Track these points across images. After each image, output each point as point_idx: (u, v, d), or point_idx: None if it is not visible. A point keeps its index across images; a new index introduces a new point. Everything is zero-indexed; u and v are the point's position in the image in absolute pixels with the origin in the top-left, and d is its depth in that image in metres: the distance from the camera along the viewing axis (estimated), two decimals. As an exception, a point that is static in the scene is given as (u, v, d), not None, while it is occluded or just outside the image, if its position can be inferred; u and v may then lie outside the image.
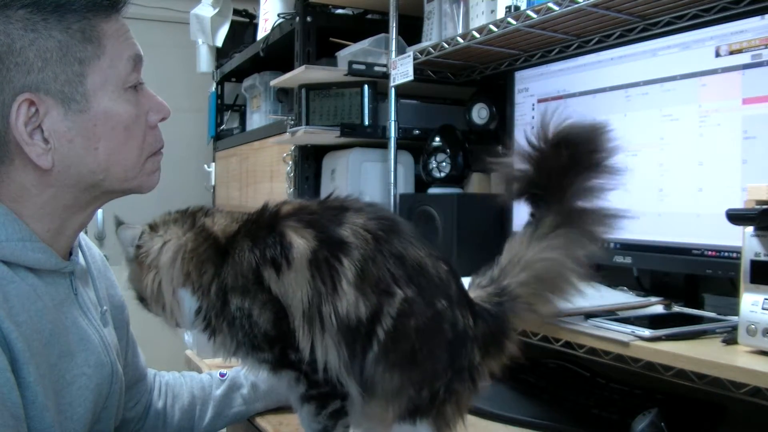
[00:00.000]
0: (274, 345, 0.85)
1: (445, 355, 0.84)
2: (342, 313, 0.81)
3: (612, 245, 1.29)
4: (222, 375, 1.25)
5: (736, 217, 0.85)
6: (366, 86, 1.80)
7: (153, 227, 0.90)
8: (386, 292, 0.81)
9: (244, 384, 1.24)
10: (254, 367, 0.89)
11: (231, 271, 0.85)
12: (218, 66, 2.97)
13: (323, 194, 1.94)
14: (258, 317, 0.84)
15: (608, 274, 1.39)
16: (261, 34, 2.35)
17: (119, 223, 0.91)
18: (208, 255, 0.86)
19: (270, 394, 1.24)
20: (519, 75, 1.52)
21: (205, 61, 2.99)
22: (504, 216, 1.53)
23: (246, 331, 0.85)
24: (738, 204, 0.97)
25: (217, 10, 2.78)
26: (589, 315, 1.05)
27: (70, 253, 0.95)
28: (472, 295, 0.92)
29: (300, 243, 0.83)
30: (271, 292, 0.83)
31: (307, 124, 1.85)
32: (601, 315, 1.05)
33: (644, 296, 1.23)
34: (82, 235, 1.01)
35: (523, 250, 0.93)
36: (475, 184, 1.69)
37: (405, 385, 0.83)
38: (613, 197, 1.26)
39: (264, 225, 0.87)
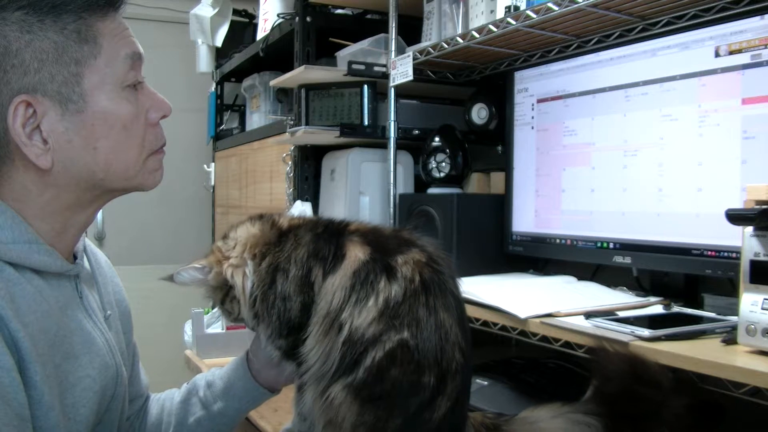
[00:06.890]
0: (290, 333, 0.91)
1: (399, 422, 0.83)
2: (354, 326, 0.84)
3: (611, 245, 1.29)
4: None
5: (735, 217, 0.85)
6: (365, 86, 1.80)
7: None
8: (394, 327, 0.83)
9: (200, 386, 1.12)
10: (273, 352, 0.96)
11: (285, 253, 0.93)
12: (218, 66, 2.97)
13: (323, 194, 1.96)
14: (292, 301, 0.91)
15: (608, 274, 1.39)
16: (261, 34, 2.35)
17: None
18: (270, 237, 0.96)
19: (229, 391, 1.09)
20: (519, 75, 1.52)
21: (204, 61, 2.99)
22: (504, 216, 1.53)
23: (279, 313, 0.92)
24: (738, 204, 0.97)
25: (216, 10, 2.78)
26: (589, 315, 1.05)
27: (75, 257, 0.94)
28: (473, 415, 0.92)
29: (354, 254, 0.88)
30: (312, 287, 0.90)
31: (307, 124, 1.85)
32: (601, 315, 1.05)
33: (644, 296, 1.23)
34: (87, 241, 1.01)
35: (544, 415, 0.91)
36: (475, 184, 1.70)
37: (358, 421, 0.83)
38: (613, 198, 1.27)
39: (330, 231, 0.94)
